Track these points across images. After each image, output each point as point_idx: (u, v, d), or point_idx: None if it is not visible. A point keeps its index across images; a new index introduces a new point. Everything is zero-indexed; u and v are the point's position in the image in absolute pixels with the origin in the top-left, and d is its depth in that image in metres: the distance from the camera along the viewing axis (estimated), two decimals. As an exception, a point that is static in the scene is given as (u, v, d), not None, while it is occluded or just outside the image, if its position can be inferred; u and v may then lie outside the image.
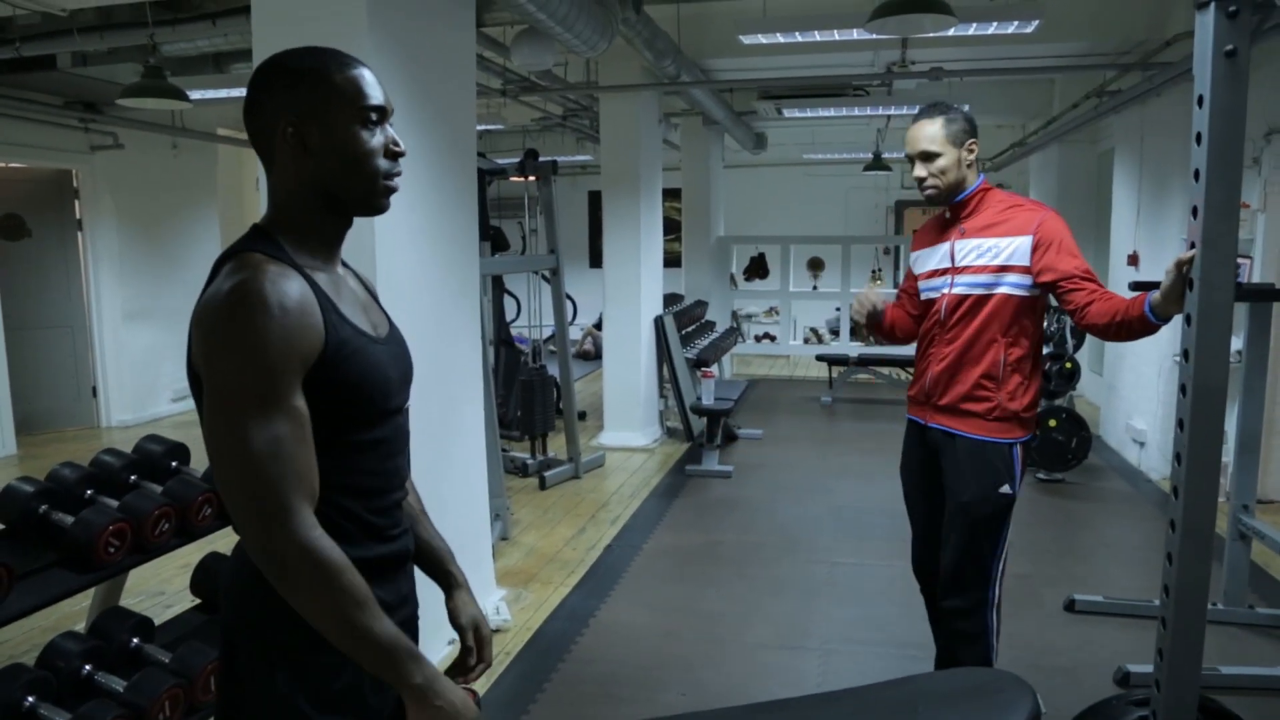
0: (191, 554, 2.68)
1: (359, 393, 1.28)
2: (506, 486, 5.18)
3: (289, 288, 1.20)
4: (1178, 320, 2.11)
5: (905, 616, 3.57)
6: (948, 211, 2.66)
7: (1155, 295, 2.23)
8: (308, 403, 1.21)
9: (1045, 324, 6.03)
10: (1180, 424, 2.02)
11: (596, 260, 12.21)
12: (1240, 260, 5.25)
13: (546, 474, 5.71)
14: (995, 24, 4.92)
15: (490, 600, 3.73)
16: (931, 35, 4.92)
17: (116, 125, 7.20)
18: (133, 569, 2.29)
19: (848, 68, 7.19)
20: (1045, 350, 5.89)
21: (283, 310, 1.18)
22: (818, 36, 5.31)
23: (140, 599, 3.86)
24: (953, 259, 2.60)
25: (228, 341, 1.17)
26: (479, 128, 8.91)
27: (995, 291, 2.53)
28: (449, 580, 1.57)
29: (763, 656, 3.43)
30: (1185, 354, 2.00)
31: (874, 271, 11.50)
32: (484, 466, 3.80)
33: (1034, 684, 3.29)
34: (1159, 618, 2.11)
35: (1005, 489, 2.54)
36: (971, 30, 4.99)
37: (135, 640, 2.24)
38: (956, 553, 2.59)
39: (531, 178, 5.71)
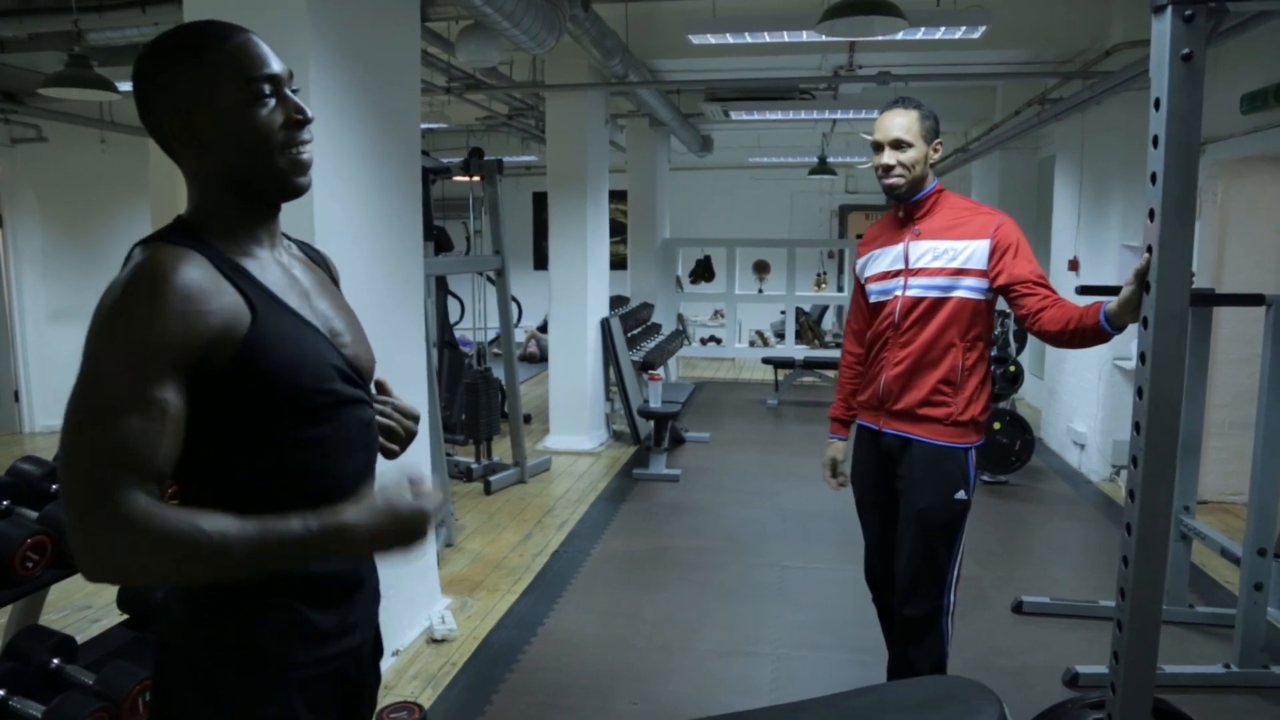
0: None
1: (286, 383, 1.16)
2: (451, 492, 5.07)
3: (186, 274, 1.09)
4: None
5: (857, 621, 3.55)
6: (900, 211, 2.62)
7: (1111, 304, 2.21)
8: (222, 395, 1.11)
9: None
10: (1136, 427, 2.01)
11: (541, 262, 12.09)
12: (1177, 265, 5.35)
13: (491, 478, 5.60)
14: (944, 28, 4.96)
15: (435, 609, 3.63)
16: (879, 39, 4.94)
17: (39, 117, 6.90)
18: (54, 584, 2.15)
19: (795, 70, 7.21)
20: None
21: (175, 296, 1.07)
22: (767, 38, 5.30)
23: (64, 614, 3.67)
24: (907, 260, 2.56)
25: (102, 329, 1.07)
26: (423, 126, 8.77)
27: (952, 295, 2.50)
28: None
29: (714, 663, 3.38)
30: (1142, 357, 1.99)
31: (819, 275, 11.57)
32: (429, 471, 3.70)
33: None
34: (1114, 620, 2.10)
35: (961, 495, 2.51)
36: (920, 34, 5.02)
37: (55, 661, 2.10)
38: (913, 560, 2.55)
39: (476, 177, 5.61)
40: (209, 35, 1.17)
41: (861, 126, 9.61)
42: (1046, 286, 2.44)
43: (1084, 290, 3.82)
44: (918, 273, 2.54)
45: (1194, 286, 4.95)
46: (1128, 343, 5.91)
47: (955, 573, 2.58)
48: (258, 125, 1.16)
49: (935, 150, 2.56)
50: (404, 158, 3.44)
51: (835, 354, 9.57)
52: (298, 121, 1.18)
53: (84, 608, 3.78)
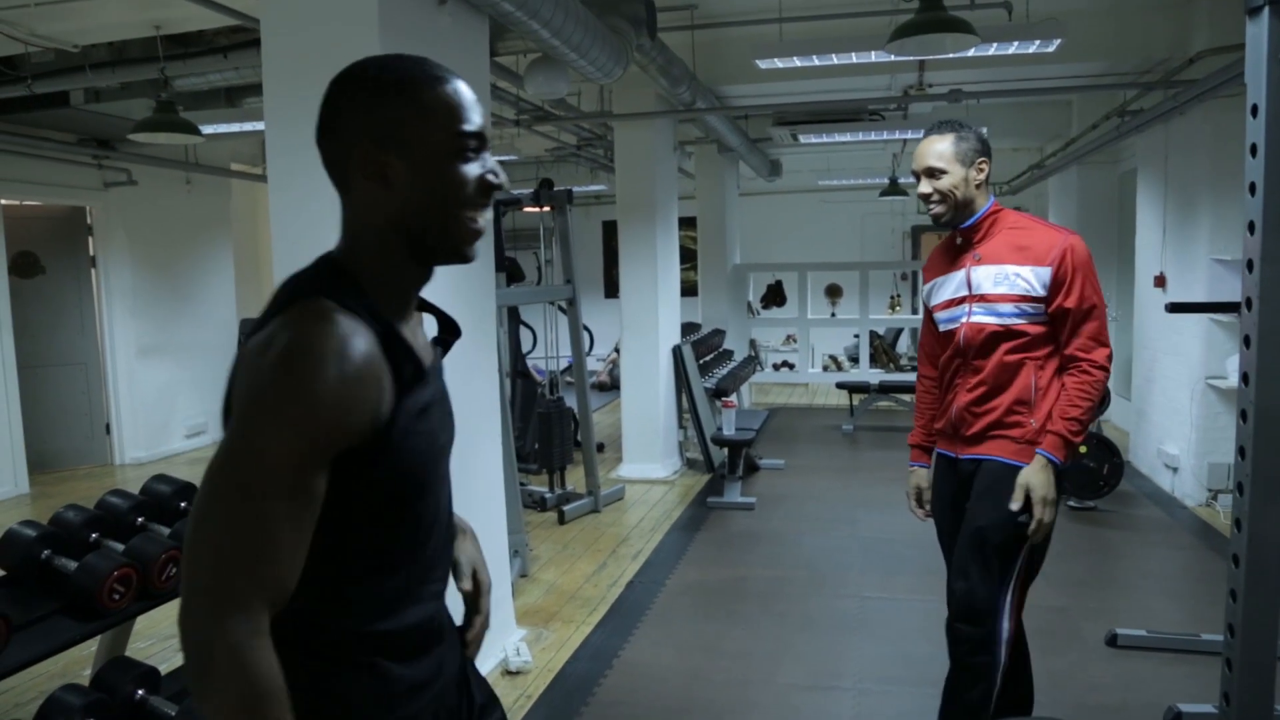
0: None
1: (417, 464, 1.11)
2: (525, 522, 5.08)
3: (354, 350, 1.01)
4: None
5: (940, 655, 3.40)
6: (958, 237, 2.55)
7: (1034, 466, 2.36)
8: (352, 475, 1.04)
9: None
10: (1241, 451, 1.90)
11: (612, 290, 12.17)
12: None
13: (565, 508, 5.60)
14: (1016, 44, 4.85)
15: (510, 641, 3.62)
16: (949, 57, 4.85)
17: (130, 161, 7.22)
18: (140, 615, 2.19)
19: (864, 91, 7.14)
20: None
21: (343, 378, 1.00)
22: (835, 60, 5.26)
23: (150, 643, 3.76)
24: (969, 286, 2.50)
25: (266, 401, 0.99)
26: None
27: (1018, 319, 2.44)
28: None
29: (794, 698, 3.29)
30: (1244, 378, 1.88)
31: (893, 298, 11.39)
32: (503, 502, 3.70)
33: (1087, 729, 3.12)
34: (1223, 658, 1.98)
35: (1023, 517, 2.40)
36: (992, 50, 4.92)
37: (140, 692, 2.14)
38: (967, 580, 2.48)
39: (546, 208, 5.66)
40: (427, 74, 1.10)
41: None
42: (1092, 335, 2.43)
43: (1174, 308, 3.66)
44: (982, 299, 2.48)
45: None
46: (1221, 360, 5.66)
47: (1010, 599, 2.46)
48: (454, 180, 1.09)
49: (980, 170, 2.48)
50: (475, 190, 3.48)
51: (911, 377, 9.36)
52: (490, 186, 1.12)
53: (169, 636, 3.87)
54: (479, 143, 1.11)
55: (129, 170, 7.32)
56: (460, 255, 1.15)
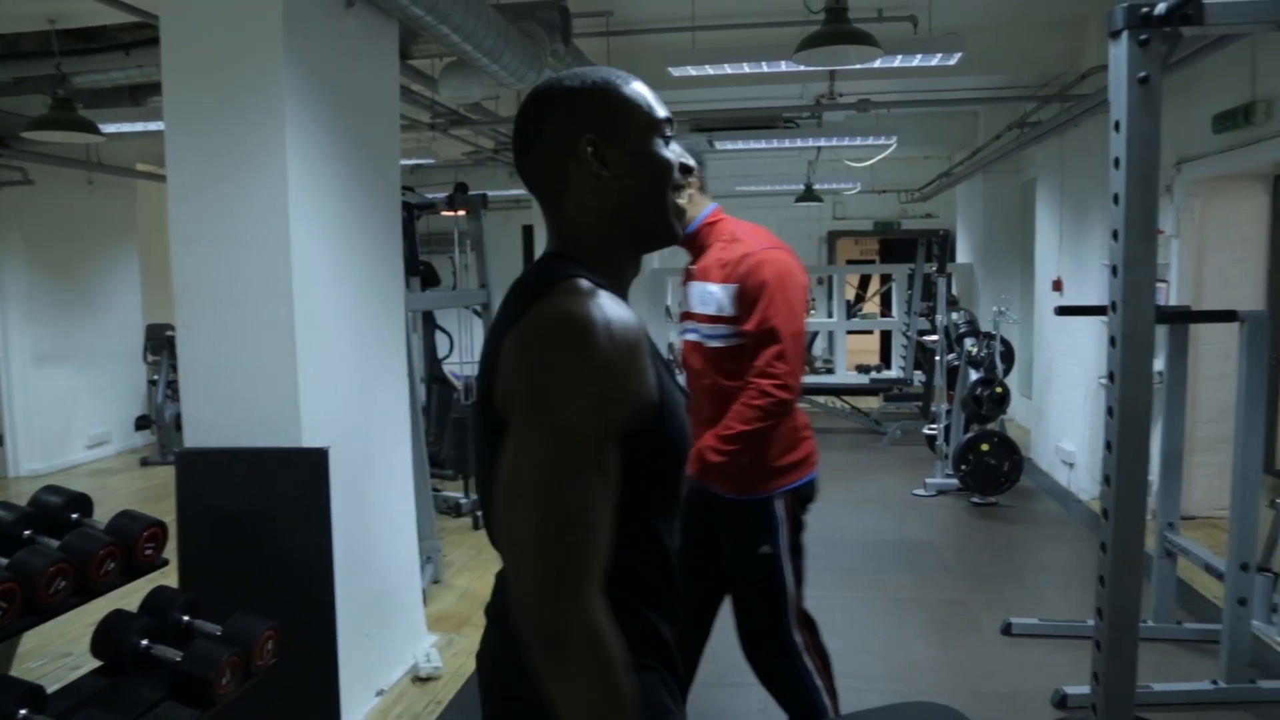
0: (101, 611, 2.52)
1: (679, 450, 1.15)
2: (439, 528, 5.05)
3: (630, 321, 1.06)
4: (1100, 342, 2.12)
5: (846, 649, 3.52)
6: (686, 248, 2.46)
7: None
8: (628, 463, 1.05)
9: (975, 349, 6.14)
10: (1108, 446, 2.02)
11: (532, 294, 12.09)
12: (1157, 284, 5.39)
13: (480, 513, 5.58)
14: (919, 56, 5.01)
15: (421, 647, 3.60)
16: (858, 67, 4.99)
17: (26, 160, 6.93)
18: (25, 631, 2.13)
19: (778, 100, 7.28)
20: (974, 375, 5.97)
21: (626, 347, 1.03)
22: (746, 68, 5.35)
23: (43, 662, 3.63)
24: (689, 303, 2.44)
25: (559, 373, 1.01)
26: (409, 162, 8.83)
27: (719, 341, 2.34)
28: None
29: (704, 695, 3.33)
30: (1111, 376, 2.00)
31: (809, 301, 11.61)
32: (413, 509, 3.69)
33: (974, 710, 3.28)
34: (1093, 640, 2.10)
35: (765, 549, 2.34)
36: (896, 62, 5.07)
37: (23, 712, 2.07)
38: (738, 616, 2.46)
39: (461, 212, 5.64)
40: (617, 75, 1.19)
41: (846, 154, 9.70)
42: (757, 370, 2.26)
43: (1061, 311, 3.85)
44: (694, 317, 2.42)
45: (1172, 304, 5.01)
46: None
47: (791, 613, 2.41)
48: (662, 164, 1.18)
49: (690, 183, 2.40)
50: (383, 194, 3.47)
51: (825, 380, 9.58)
52: (686, 168, 1.23)
53: (64, 655, 3.74)
54: (671, 129, 1.20)
55: (24, 169, 7.04)
56: (673, 234, 1.23)
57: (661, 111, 1.20)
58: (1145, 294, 1.95)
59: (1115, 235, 1.98)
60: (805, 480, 2.43)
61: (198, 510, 2.83)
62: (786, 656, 2.42)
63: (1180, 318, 3.68)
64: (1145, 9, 1.85)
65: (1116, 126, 1.95)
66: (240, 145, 2.78)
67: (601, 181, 1.16)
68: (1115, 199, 1.97)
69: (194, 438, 2.87)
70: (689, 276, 2.47)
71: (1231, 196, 5.10)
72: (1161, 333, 3.78)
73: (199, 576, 2.75)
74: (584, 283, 1.08)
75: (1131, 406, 1.97)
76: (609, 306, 1.05)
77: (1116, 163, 1.96)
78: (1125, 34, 1.88)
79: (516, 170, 1.22)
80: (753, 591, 2.43)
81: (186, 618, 2.23)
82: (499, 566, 1.14)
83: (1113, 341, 1.99)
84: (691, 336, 2.43)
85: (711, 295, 2.33)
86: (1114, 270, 1.98)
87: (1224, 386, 4.98)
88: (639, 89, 1.19)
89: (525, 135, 1.19)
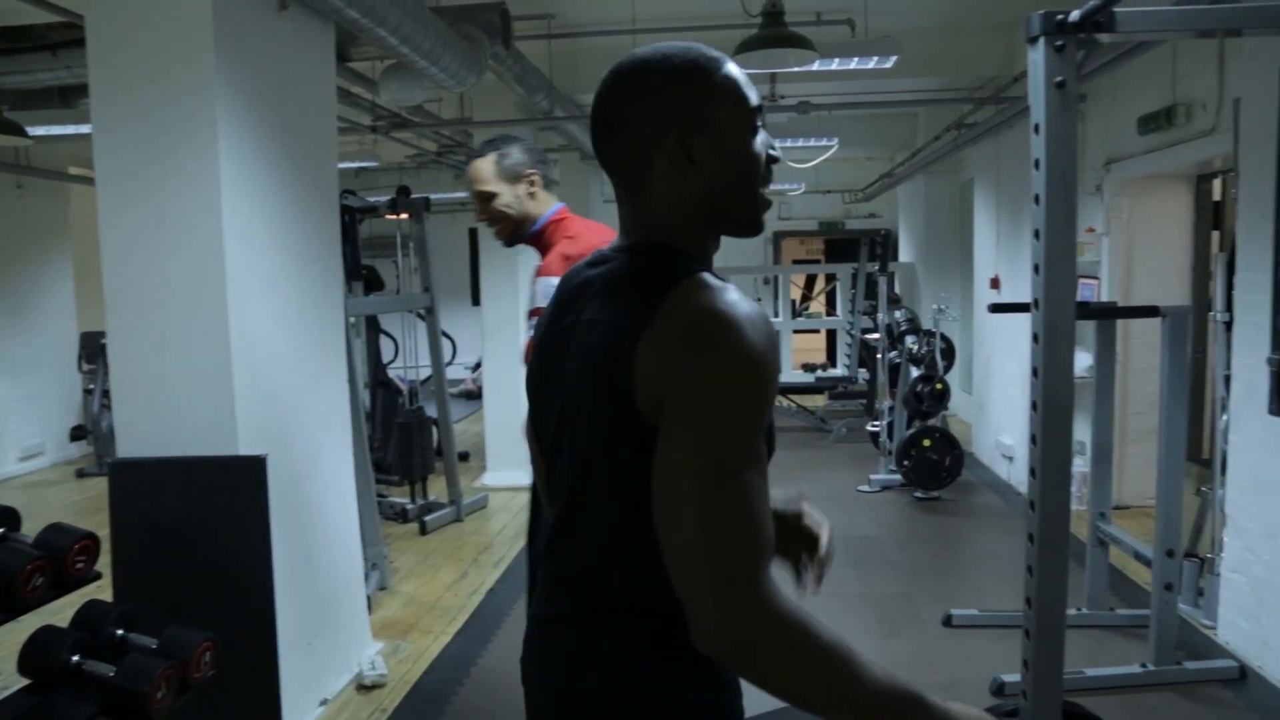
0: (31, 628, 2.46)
1: (772, 445, 1.12)
2: (385, 534, 5.01)
3: (765, 316, 1.04)
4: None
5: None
6: (533, 248, 2.50)
7: None
8: None
9: (915, 346, 6.25)
10: (1033, 439, 2.08)
11: (479, 298, 12.05)
12: (1088, 281, 5.54)
13: (427, 518, 5.54)
14: (856, 59, 5.09)
15: (365, 655, 3.57)
16: (797, 70, 5.05)
17: (-48, 166, 6.75)
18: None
19: (719, 102, 7.32)
20: (915, 372, 6.08)
21: (769, 343, 1.02)
22: (686, 71, 5.39)
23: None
24: (533, 299, 2.45)
25: (719, 374, 0.99)
26: (352, 165, 8.72)
27: None
28: None
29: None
30: (1035, 371, 2.06)
31: (755, 301, 11.71)
32: (355, 515, 3.65)
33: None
34: (1023, 628, 2.16)
35: None
36: (834, 65, 5.15)
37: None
38: None
39: (404, 215, 5.60)
40: (709, 57, 1.12)
41: (789, 155, 9.79)
42: None
43: (994, 308, 3.94)
44: (536, 313, 2.39)
45: (1103, 301, 5.15)
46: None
47: None
48: (752, 154, 1.13)
49: (530, 183, 2.44)
50: (321, 197, 3.43)
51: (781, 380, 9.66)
52: (774, 158, 1.17)
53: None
54: (762, 118, 1.15)
55: (-50, 175, 6.84)
56: (758, 226, 1.18)
57: (754, 100, 1.13)
58: (1065, 291, 2.01)
59: (1036, 234, 2.04)
60: None
61: (132, 521, 2.77)
62: None
63: (1106, 314, 3.79)
64: (1060, 16, 1.91)
65: (1036, 129, 2.00)
66: (171, 149, 2.73)
67: (687, 176, 1.11)
68: (1036, 199, 2.03)
69: (127, 447, 2.82)
70: (537, 274, 2.46)
71: (1158, 196, 5.26)
72: (1092, 328, 3.89)
73: (134, 589, 2.70)
74: (711, 277, 1.06)
75: (1054, 400, 2.02)
76: (745, 302, 1.04)
77: (1037, 164, 2.01)
78: (1042, 40, 1.93)
79: (594, 152, 1.17)
80: None
81: (120, 632, 2.19)
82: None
83: (1035, 338, 2.05)
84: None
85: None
86: (1036, 268, 2.04)
87: (1154, 379, 5.12)
88: (730, 74, 1.12)
89: (606, 120, 1.14)
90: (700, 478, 0.98)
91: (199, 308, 2.76)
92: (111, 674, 2.03)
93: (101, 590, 2.36)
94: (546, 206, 2.48)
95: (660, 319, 1.02)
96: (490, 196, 2.43)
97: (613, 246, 1.20)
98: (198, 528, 2.76)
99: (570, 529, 1.16)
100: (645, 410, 1.02)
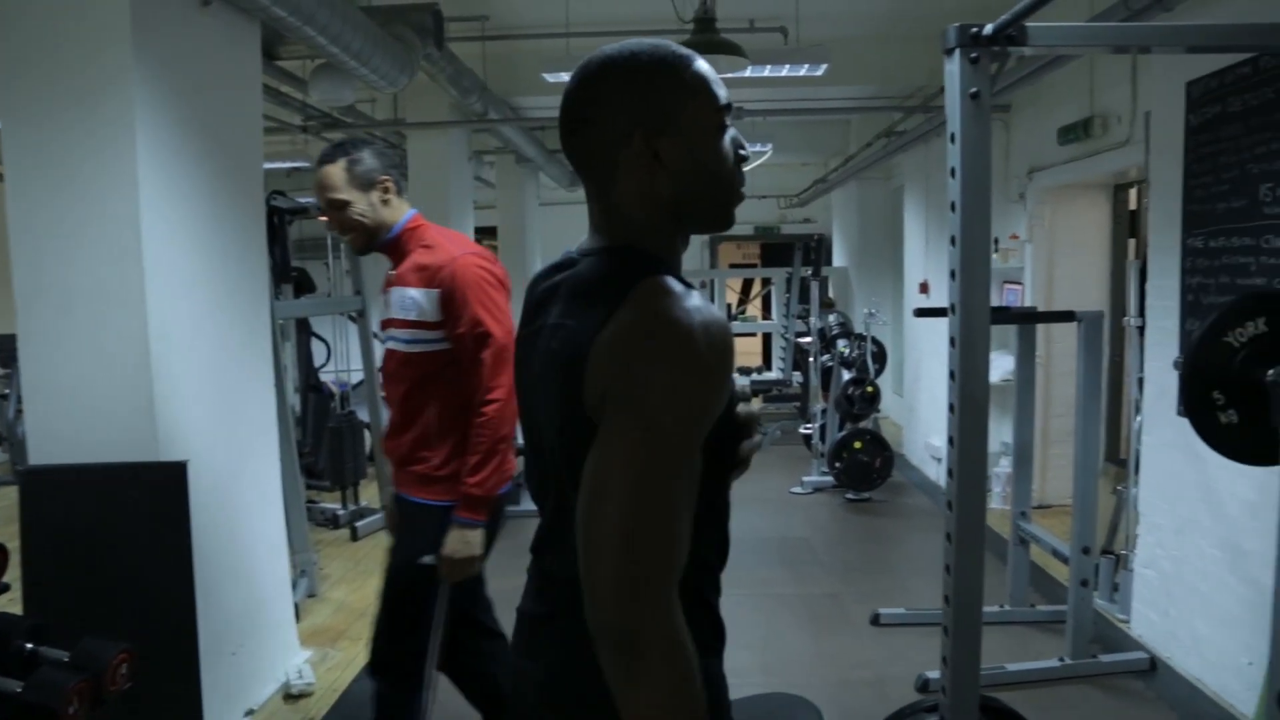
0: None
1: (734, 445, 1.14)
2: (315, 540, 4.93)
3: (723, 324, 1.04)
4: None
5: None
6: (386, 256, 2.42)
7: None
8: (705, 458, 1.05)
9: (847, 350, 6.35)
10: (950, 440, 2.13)
11: (415, 300, 11.89)
12: (1013, 286, 5.70)
13: (358, 524, 5.46)
14: (788, 66, 5.16)
15: (293, 663, 3.51)
16: (729, 76, 5.11)
17: None
18: None
19: (655, 107, 7.35)
20: (847, 375, 6.18)
21: (722, 352, 1.02)
22: (620, 76, 5.41)
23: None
24: (388, 308, 2.37)
25: (660, 379, 0.99)
26: (284, 165, 8.56)
27: (415, 349, 2.29)
28: None
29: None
30: (952, 374, 2.12)
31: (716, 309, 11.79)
32: (282, 522, 3.59)
33: (842, 698, 3.40)
34: (942, 625, 2.21)
35: (427, 559, 2.24)
36: (766, 72, 5.22)
37: None
38: (383, 624, 2.39)
39: (335, 216, 5.50)
40: (680, 56, 1.12)
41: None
42: (477, 386, 2.24)
43: (919, 313, 4.04)
44: (392, 324, 2.35)
45: (1026, 305, 5.30)
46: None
47: (433, 644, 2.35)
48: (720, 153, 1.13)
49: (385, 190, 2.33)
50: (246, 198, 3.37)
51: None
52: (743, 157, 1.17)
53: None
54: (730, 115, 1.14)
55: None
56: (728, 222, 1.18)
57: (723, 98, 1.13)
58: (980, 296, 2.07)
59: (953, 241, 2.10)
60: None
61: (45, 531, 2.68)
62: (409, 688, 2.34)
63: (1023, 318, 3.91)
64: (975, 29, 1.97)
65: (953, 138, 2.06)
66: (86, 147, 2.66)
67: (655, 175, 1.11)
68: (953, 206, 2.09)
69: (40, 454, 2.73)
70: (388, 283, 2.39)
71: (1078, 204, 5.43)
72: (1013, 333, 4.00)
73: (48, 601, 2.61)
74: (671, 281, 1.06)
75: (970, 402, 2.08)
76: (703, 308, 1.04)
77: (953, 172, 2.07)
78: (957, 51, 1.99)
79: (562, 148, 1.17)
80: (402, 605, 2.35)
81: (30, 645, 2.12)
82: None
83: (952, 341, 2.11)
84: (392, 344, 2.36)
85: (412, 300, 2.27)
86: (952, 274, 2.10)
87: (1075, 383, 5.30)
88: (699, 71, 1.12)
89: (573, 118, 1.14)
90: (628, 478, 0.98)
91: (116, 308, 2.69)
92: (19, 689, 1.96)
93: (11, 603, 2.30)
94: (400, 213, 2.37)
95: (614, 321, 1.03)
96: (342, 205, 2.28)
97: (581, 249, 1.20)
98: (114, 536, 2.68)
99: (557, 531, 1.17)
100: (592, 410, 1.03)
